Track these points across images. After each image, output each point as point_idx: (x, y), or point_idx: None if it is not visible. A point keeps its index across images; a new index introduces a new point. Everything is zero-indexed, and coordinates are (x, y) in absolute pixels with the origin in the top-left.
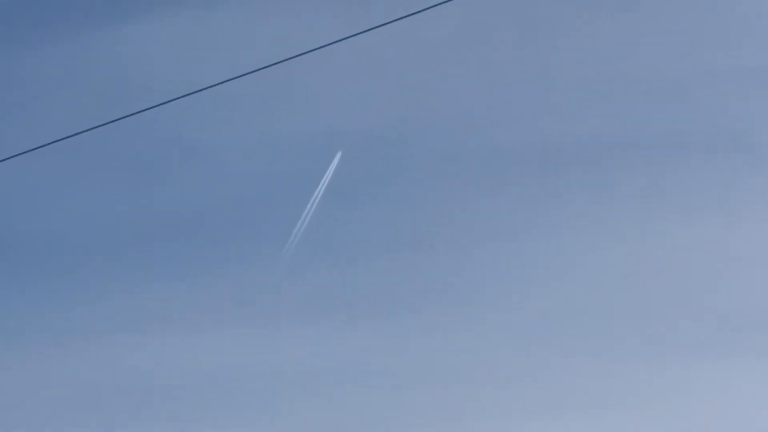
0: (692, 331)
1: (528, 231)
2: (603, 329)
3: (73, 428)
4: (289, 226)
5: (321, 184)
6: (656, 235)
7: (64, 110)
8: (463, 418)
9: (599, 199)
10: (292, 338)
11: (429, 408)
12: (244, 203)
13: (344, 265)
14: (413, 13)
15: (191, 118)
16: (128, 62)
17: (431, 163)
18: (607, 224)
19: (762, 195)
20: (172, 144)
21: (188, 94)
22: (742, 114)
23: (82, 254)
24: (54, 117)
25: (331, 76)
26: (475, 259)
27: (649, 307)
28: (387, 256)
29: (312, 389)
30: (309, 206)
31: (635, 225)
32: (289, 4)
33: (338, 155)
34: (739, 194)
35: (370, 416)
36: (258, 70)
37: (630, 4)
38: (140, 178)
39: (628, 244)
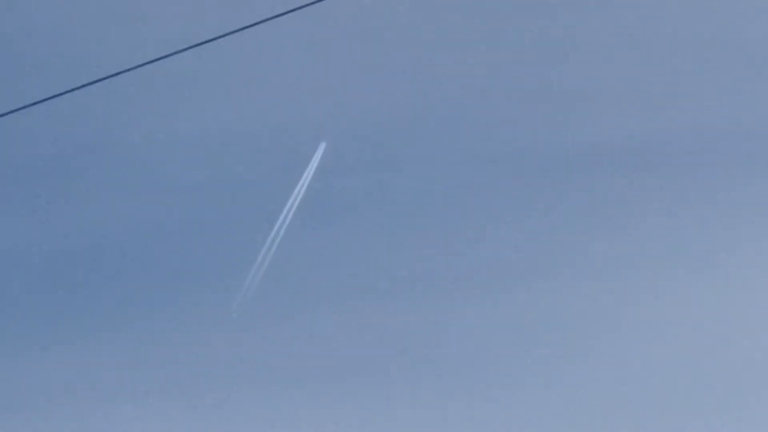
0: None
1: (564, 272)
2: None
3: None
4: (244, 263)
5: (292, 199)
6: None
7: None
8: None
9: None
10: (247, 419)
11: None
12: (179, 231)
13: (315, 316)
14: None
15: (101, 110)
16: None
17: (433, 173)
18: (662, 263)
19: None
20: (77, 147)
21: (99, 80)
22: None
23: None
24: None
25: (304, 47)
26: (495, 306)
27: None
28: (380, 302)
29: None
30: (274, 233)
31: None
32: None
33: (321, 148)
34: None
35: None
36: (201, 44)
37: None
38: (24, 195)
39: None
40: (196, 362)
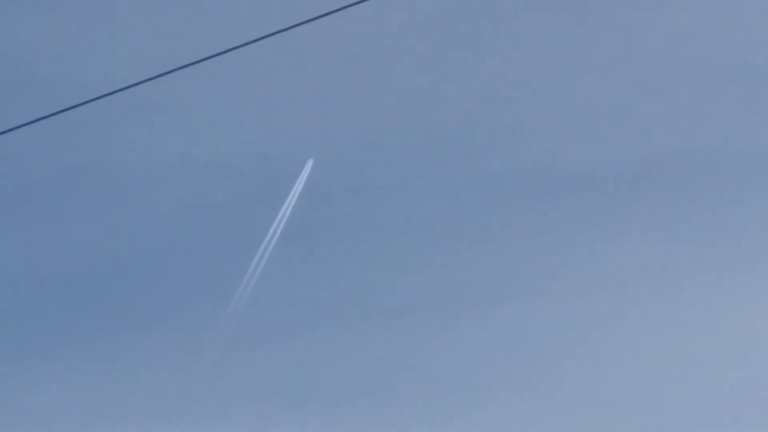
0: None
1: (548, 293)
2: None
3: None
4: (229, 287)
5: (277, 222)
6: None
7: None
8: None
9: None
10: None
11: None
12: (164, 254)
13: (300, 339)
14: None
15: (86, 135)
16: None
17: (419, 196)
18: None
19: None
20: (61, 171)
21: (83, 103)
22: None
23: None
24: None
25: (288, 71)
26: (482, 330)
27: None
28: (366, 325)
29: None
30: (258, 257)
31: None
32: None
33: (305, 172)
34: None
35: None
36: (188, 65)
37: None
38: (8, 219)
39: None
40: (181, 384)
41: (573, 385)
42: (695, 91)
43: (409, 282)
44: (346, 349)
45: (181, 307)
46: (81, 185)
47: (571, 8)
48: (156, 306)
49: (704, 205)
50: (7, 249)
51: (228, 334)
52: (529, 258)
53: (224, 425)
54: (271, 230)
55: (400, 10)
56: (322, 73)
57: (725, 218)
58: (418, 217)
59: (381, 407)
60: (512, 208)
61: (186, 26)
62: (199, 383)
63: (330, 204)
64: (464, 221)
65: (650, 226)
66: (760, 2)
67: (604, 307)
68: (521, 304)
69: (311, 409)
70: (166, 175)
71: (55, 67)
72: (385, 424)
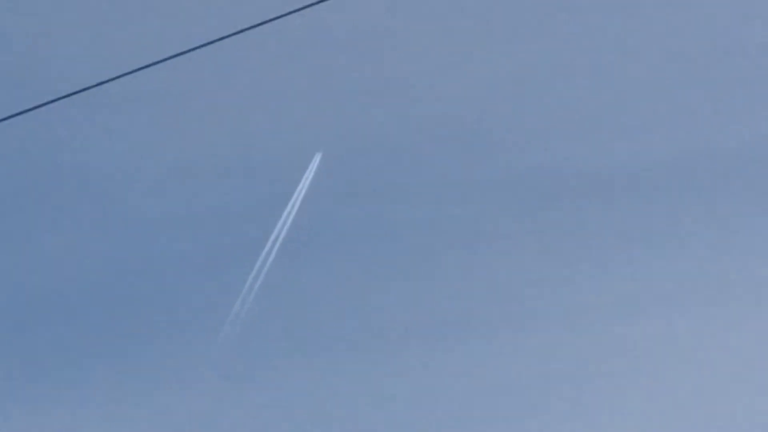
0: None
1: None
2: None
3: None
4: (228, 299)
5: (277, 231)
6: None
7: None
8: None
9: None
10: None
11: None
12: (159, 266)
13: (300, 358)
14: None
15: (75, 134)
16: None
17: (422, 203)
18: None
19: None
20: (51, 178)
21: (68, 95)
22: None
23: None
24: None
25: (291, 72)
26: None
27: None
28: (368, 345)
29: None
30: (258, 267)
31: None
32: None
33: (307, 177)
34: None
35: None
36: (178, 55)
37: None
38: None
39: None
40: (179, 401)
41: (580, 393)
42: (707, 92)
43: (420, 299)
44: (351, 371)
45: (178, 319)
46: (70, 190)
47: (578, 9)
48: (151, 318)
49: (719, 207)
50: None
51: (226, 347)
52: (551, 267)
53: None
54: (272, 238)
55: (407, 8)
56: (325, 77)
57: (739, 221)
58: (428, 224)
59: (380, 424)
60: (530, 211)
61: (180, 18)
62: (196, 398)
63: (331, 212)
64: (478, 226)
65: (661, 230)
66: (762, 3)
67: (618, 315)
68: (541, 315)
69: (312, 425)
70: (160, 182)
71: (42, 59)
72: None
